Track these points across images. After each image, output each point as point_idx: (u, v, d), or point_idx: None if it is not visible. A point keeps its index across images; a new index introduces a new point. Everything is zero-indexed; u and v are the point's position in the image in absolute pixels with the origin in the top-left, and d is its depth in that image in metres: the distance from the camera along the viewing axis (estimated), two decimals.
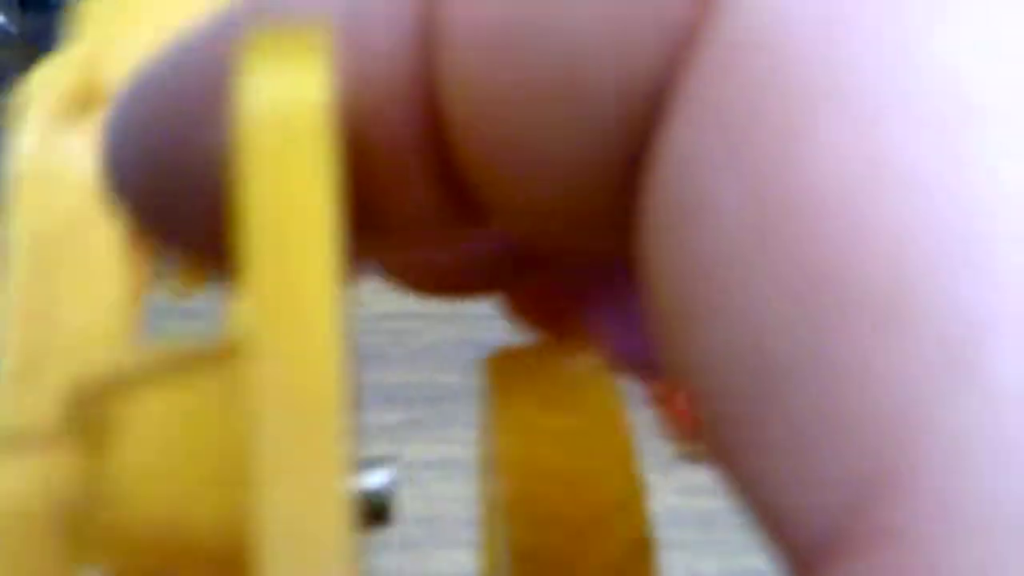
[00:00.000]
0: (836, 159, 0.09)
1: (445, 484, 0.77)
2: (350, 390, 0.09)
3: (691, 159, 0.10)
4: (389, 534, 0.14)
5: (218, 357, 0.12)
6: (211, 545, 0.11)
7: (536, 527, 0.12)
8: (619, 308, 0.15)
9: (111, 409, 0.12)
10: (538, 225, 0.12)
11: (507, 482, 0.12)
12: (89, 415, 0.12)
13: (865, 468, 0.09)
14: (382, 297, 0.44)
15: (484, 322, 0.73)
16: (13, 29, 0.97)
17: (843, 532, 0.09)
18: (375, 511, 0.14)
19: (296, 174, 0.10)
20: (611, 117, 0.11)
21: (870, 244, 0.09)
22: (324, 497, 0.09)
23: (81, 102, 0.18)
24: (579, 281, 0.15)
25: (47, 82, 0.18)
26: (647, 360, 0.15)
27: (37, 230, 0.16)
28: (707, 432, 0.10)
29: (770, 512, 0.09)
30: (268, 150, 0.10)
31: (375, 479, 0.14)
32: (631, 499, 0.12)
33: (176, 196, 0.12)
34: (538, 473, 0.12)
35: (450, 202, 0.12)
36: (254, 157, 0.10)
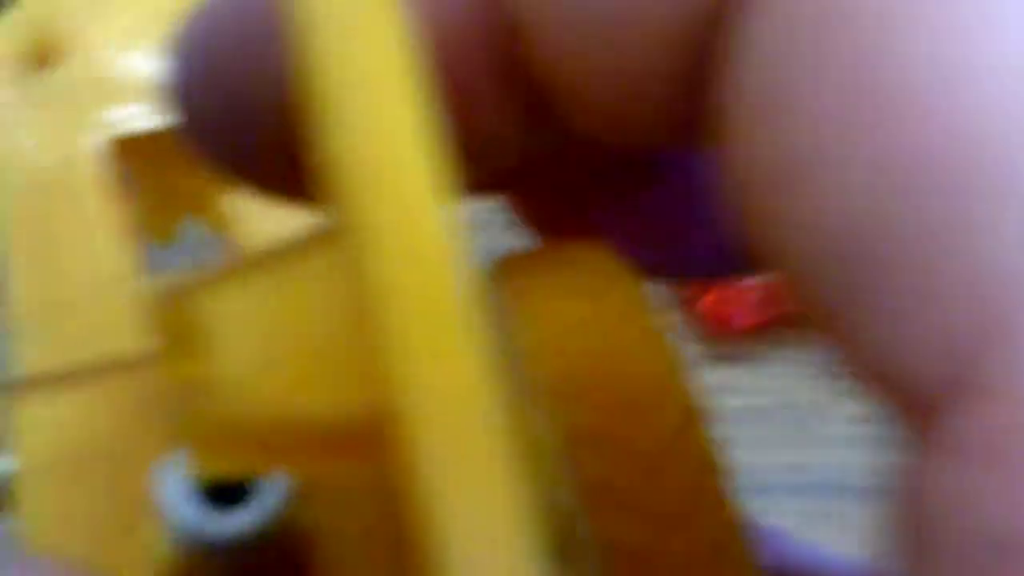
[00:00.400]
0: (932, 43, 0.09)
1: None
2: (464, 259, 0.09)
3: (778, 54, 0.10)
4: None
5: (305, 248, 0.12)
6: (324, 431, 0.11)
7: (582, 405, 0.12)
8: (628, 214, 0.15)
9: (203, 308, 0.11)
10: (605, 124, 0.12)
11: (546, 366, 0.12)
12: (181, 318, 0.11)
13: (973, 324, 0.09)
14: None
15: None
16: None
17: (957, 384, 0.09)
18: None
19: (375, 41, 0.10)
20: (683, 14, 0.11)
21: (963, 126, 0.09)
22: (466, 365, 0.09)
23: (37, 60, 0.18)
24: (590, 186, 0.15)
25: None
26: (660, 265, 0.15)
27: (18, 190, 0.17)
28: (811, 311, 0.10)
29: (880, 373, 0.10)
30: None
31: None
32: (675, 372, 0.13)
33: (245, 116, 0.12)
34: (576, 354, 0.12)
35: (521, 114, 0.12)
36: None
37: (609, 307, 0.13)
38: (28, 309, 0.16)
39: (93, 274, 0.16)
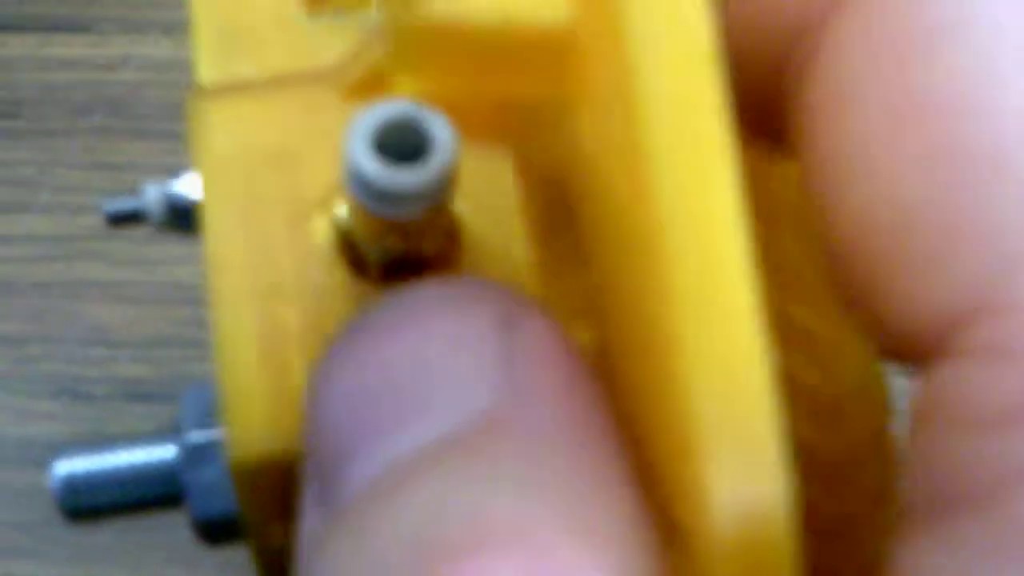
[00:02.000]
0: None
1: None
2: None
3: (852, 56, 0.12)
4: None
5: None
6: (537, 40, 0.11)
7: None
8: None
9: None
10: None
11: None
12: None
13: (997, 258, 0.11)
14: None
15: None
16: None
17: (984, 303, 0.11)
18: None
19: None
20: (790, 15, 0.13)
21: (989, 124, 0.12)
22: None
23: None
24: None
25: None
26: None
27: None
28: (855, 273, 0.12)
29: (911, 308, 0.12)
30: None
31: None
32: None
33: None
34: None
35: None
36: None
37: None
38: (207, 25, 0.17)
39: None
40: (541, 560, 0.11)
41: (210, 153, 0.15)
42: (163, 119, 0.36)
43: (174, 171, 0.18)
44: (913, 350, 0.12)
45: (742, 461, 0.10)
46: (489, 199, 0.15)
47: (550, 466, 0.11)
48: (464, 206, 0.15)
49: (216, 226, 0.15)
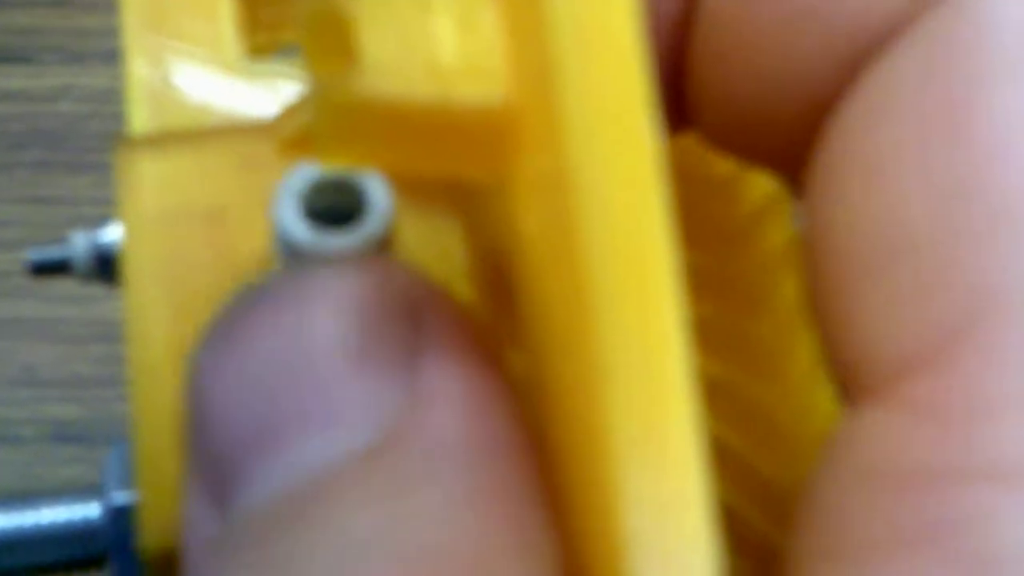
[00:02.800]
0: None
1: None
2: None
3: (878, 108, 0.12)
4: None
5: None
6: (467, 119, 0.11)
7: None
8: None
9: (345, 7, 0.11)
10: (740, 138, 0.14)
11: None
12: (325, 17, 0.11)
13: (968, 304, 0.11)
14: None
15: None
16: None
17: (937, 353, 0.11)
18: None
19: None
20: (837, 54, 0.13)
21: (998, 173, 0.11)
22: None
23: None
24: None
25: None
26: None
27: None
28: (830, 296, 0.12)
29: (868, 338, 0.12)
30: None
31: None
32: None
33: None
34: None
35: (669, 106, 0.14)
36: None
37: None
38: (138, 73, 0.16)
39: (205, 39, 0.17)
40: None
41: (136, 210, 0.15)
42: (103, 151, 0.35)
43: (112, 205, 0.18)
44: (855, 385, 0.12)
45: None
46: (434, 262, 0.15)
47: (466, 487, 0.11)
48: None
49: (138, 293, 0.14)
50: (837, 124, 0.12)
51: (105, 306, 0.33)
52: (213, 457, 0.12)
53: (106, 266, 0.17)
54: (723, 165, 0.16)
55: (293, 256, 0.13)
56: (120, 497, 0.17)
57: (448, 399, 0.11)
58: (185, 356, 0.14)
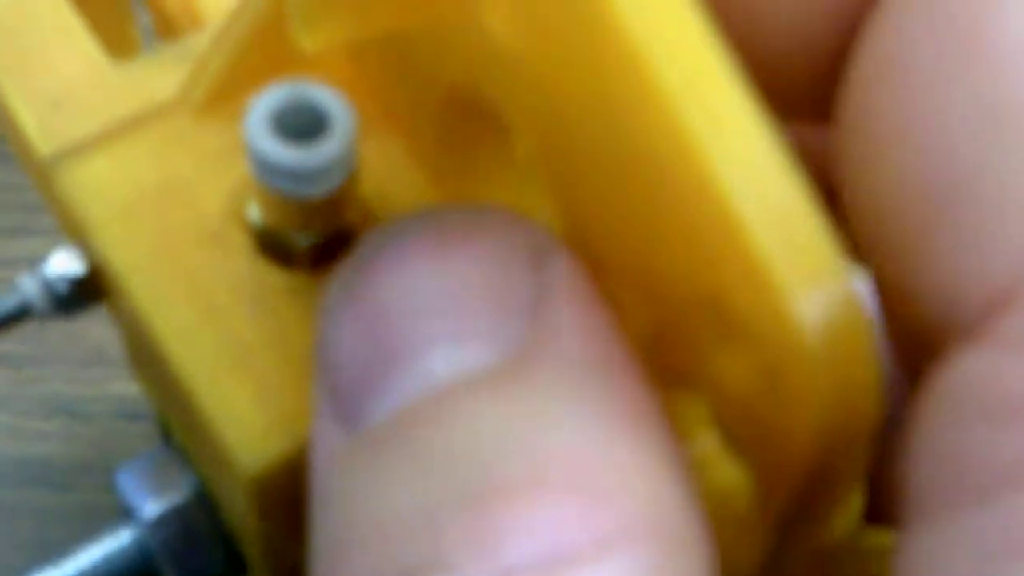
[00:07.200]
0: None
1: None
2: None
3: (900, 26, 0.12)
4: None
5: None
6: None
7: None
8: None
9: None
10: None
11: None
12: None
13: None
14: None
15: None
16: None
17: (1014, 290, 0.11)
18: None
19: None
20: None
21: None
22: None
23: None
24: None
25: None
26: None
27: None
28: (888, 246, 0.12)
29: (948, 280, 0.11)
30: None
31: None
32: None
33: None
34: None
35: None
36: None
37: None
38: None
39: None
40: (597, 507, 0.11)
41: (95, 209, 0.15)
42: None
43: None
44: (943, 332, 0.12)
45: (807, 271, 0.10)
46: (390, 173, 0.15)
47: (594, 403, 0.11)
48: (369, 185, 0.15)
49: (132, 274, 0.15)
50: (864, 50, 0.12)
51: None
52: (342, 375, 0.12)
53: (64, 300, 0.17)
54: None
55: (279, 177, 0.14)
56: (151, 509, 0.17)
57: (572, 329, 0.12)
58: (199, 313, 0.14)
